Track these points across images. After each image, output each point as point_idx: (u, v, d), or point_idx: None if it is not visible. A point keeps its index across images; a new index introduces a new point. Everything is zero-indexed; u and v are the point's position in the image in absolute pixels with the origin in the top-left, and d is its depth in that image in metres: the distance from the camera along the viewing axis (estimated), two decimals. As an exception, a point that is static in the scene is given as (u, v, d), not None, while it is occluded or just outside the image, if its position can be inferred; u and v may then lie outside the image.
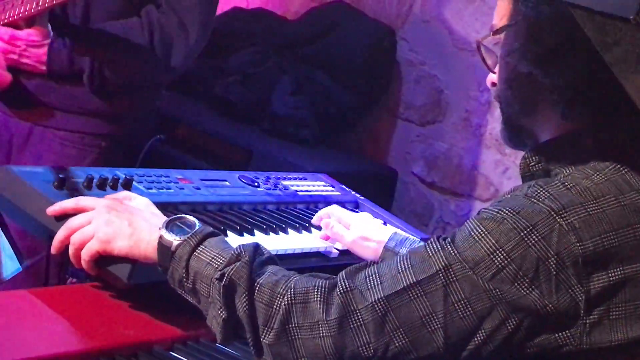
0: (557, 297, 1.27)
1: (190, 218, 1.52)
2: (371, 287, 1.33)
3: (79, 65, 2.38)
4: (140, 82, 2.49)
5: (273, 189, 2.21)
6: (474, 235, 1.29)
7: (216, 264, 1.43)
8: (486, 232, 1.29)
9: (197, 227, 1.49)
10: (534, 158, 1.43)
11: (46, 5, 2.25)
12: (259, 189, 2.17)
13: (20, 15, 2.31)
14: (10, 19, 2.34)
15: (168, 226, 1.50)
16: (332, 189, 2.38)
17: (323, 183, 2.41)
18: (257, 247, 1.45)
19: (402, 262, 1.33)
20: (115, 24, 2.40)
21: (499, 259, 1.27)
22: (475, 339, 1.29)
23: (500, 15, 1.44)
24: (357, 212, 2.16)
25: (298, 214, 2.14)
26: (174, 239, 1.48)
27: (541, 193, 1.31)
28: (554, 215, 1.28)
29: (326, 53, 3.53)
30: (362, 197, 2.39)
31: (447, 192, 3.53)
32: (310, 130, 3.37)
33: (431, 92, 3.57)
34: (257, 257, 1.43)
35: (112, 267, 1.55)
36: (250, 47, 3.55)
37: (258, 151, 3.16)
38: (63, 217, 1.59)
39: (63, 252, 1.58)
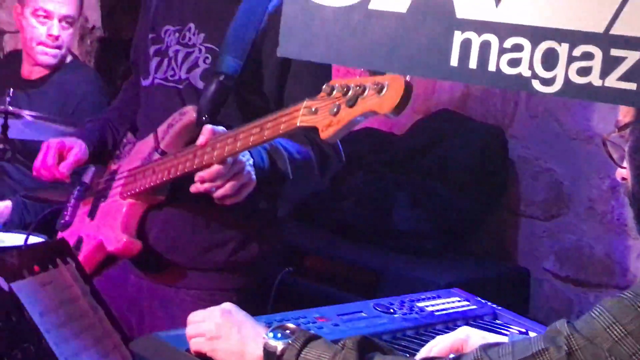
0: None
1: (291, 325, 1.60)
2: (502, 355, 1.41)
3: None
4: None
5: (409, 313, 2.20)
6: (593, 313, 1.38)
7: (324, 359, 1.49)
8: (604, 309, 1.37)
9: (299, 332, 1.56)
10: None
11: (177, 173, 2.26)
12: (395, 315, 2.16)
13: (152, 184, 2.35)
14: (141, 187, 2.38)
15: (272, 332, 1.58)
16: (468, 303, 2.36)
17: (457, 298, 2.39)
18: (364, 337, 1.49)
19: (531, 338, 1.43)
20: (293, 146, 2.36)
21: (615, 332, 1.34)
22: None
23: (625, 111, 1.46)
24: (495, 325, 2.13)
25: (438, 335, 2.12)
26: (279, 344, 1.55)
27: None
28: None
29: (438, 162, 3.54)
30: (499, 307, 2.35)
31: (584, 284, 3.44)
32: (434, 241, 3.37)
33: (550, 185, 3.53)
34: (364, 346, 1.50)
35: None
36: (363, 167, 3.59)
37: (386, 271, 3.16)
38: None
39: None
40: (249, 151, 2.21)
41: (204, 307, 2.43)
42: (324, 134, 1.91)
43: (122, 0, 4.63)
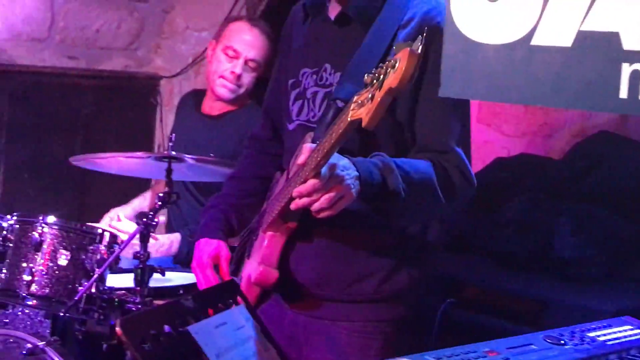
0: None
1: None
2: None
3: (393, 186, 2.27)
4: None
5: (580, 344, 2.16)
6: None
7: None
8: None
9: None
10: None
11: (288, 196, 2.27)
12: (566, 346, 2.12)
13: (276, 212, 2.38)
14: (270, 217, 2.42)
15: None
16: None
17: (629, 327, 2.33)
18: None
19: None
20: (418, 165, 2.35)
21: None
22: None
23: None
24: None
25: (612, 367, 2.08)
26: None
27: None
28: None
29: (599, 186, 3.46)
30: (676, 336, 2.28)
31: None
32: (599, 268, 3.28)
33: None
34: None
35: None
36: (521, 194, 3.55)
37: (550, 300, 3.10)
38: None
39: None
40: (356, 165, 2.22)
41: (359, 339, 2.44)
42: (364, 123, 1.98)
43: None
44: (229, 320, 2.12)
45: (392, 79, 1.91)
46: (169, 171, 3.25)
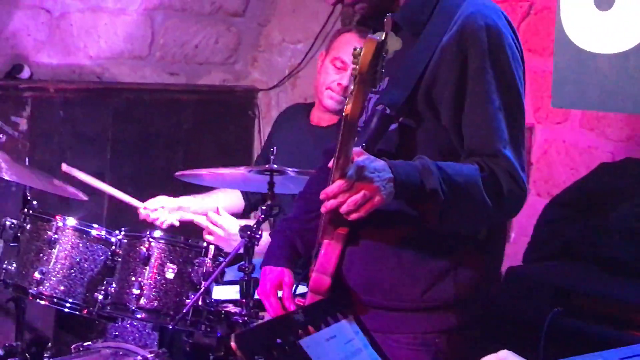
0: None
1: None
2: None
3: (430, 185, 2.25)
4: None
5: (699, 354, 2.11)
6: None
7: None
8: None
9: None
10: None
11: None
12: (684, 357, 2.07)
13: (324, 218, 2.39)
14: (321, 225, 2.43)
15: None
16: None
17: None
18: None
19: None
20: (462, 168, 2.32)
21: None
22: None
23: None
24: None
25: None
26: None
27: None
28: None
29: None
30: None
31: None
32: None
33: None
34: None
35: None
36: (627, 199, 3.47)
37: (663, 307, 3.03)
38: None
39: None
40: (392, 168, 2.22)
41: (408, 351, 2.38)
42: (347, 114, 2.14)
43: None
44: (338, 334, 2.14)
45: (359, 67, 2.08)
46: (271, 184, 3.29)
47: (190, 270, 3.24)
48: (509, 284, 3.43)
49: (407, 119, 2.36)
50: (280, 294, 2.60)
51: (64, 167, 3.87)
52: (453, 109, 2.35)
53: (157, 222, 3.87)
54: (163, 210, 3.88)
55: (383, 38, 2.08)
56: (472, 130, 2.34)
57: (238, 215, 4.02)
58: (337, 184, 2.19)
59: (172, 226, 3.87)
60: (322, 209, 2.26)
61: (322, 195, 2.23)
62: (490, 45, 2.31)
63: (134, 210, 3.90)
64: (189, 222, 3.92)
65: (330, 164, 2.24)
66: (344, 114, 2.15)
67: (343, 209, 2.20)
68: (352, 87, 2.13)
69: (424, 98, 2.35)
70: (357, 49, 2.09)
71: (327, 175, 2.62)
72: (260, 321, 3.07)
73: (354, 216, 2.21)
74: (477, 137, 2.34)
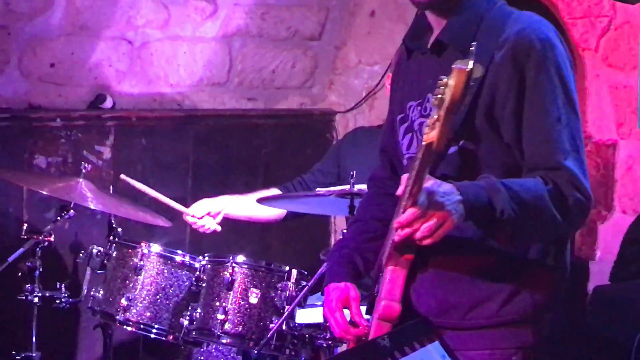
0: None
1: None
2: None
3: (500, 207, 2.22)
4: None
5: None
6: None
7: None
8: None
9: None
10: None
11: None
12: None
13: (389, 246, 2.36)
14: (386, 252, 2.39)
15: None
16: None
17: None
18: None
19: None
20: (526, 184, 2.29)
21: None
22: None
23: None
24: None
25: None
26: None
27: None
28: None
29: None
30: None
31: None
32: None
33: None
34: None
35: None
36: None
37: None
38: None
39: None
40: (460, 190, 2.19)
41: None
42: (434, 144, 2.11)
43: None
44: (425, 358, 2.13)
45: (447, 97, 2.06)
46: (351, 207, 3.29)
47: (274, 294, 3.27)
48: (596, 304, 3.38)
49: (467, 141, 2.35)
50: (344, 310, 2.59)
51: (122, 177, 3.93)
52: (515, 125, 2.33)
53: (202, 230, 3.90)
54: (209, 217, 3.91)
55: (471, 67, 2.07)
56: (531, 145, 2.32)
57: (279, 221, 4.05)
58: (411, 212, 2.18)
59: (215, 232, 3.91)
60: (396, 238, 2.25)
61: (395, 225, 2.22)
62: (544, 58, 2.31)
63: (214, 235, 3.94)
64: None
65: (399, 191, 2.24)
66: (424, 142, 2.14)
67: (417, 235, 2.19)
68: (434, 115, 2.11)
69: (484, 118, 2.34)
70: (444, 79, 2.08)
71: (383, 202, 2.64)
72: (343, 345, 3.06)
73: (427, 242, 2.20)
74: (537, 152, 2.32)
